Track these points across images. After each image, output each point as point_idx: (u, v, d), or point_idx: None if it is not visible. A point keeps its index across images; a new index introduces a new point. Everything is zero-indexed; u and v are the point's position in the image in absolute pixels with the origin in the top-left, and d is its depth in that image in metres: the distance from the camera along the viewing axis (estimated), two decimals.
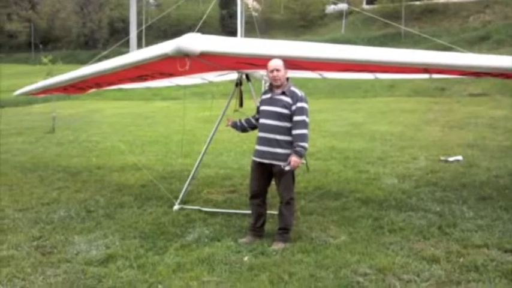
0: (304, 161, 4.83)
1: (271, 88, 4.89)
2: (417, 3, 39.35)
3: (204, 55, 4.64)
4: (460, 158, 8.73)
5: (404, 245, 4.78)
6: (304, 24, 45.14)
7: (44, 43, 54.30)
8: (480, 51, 25.05)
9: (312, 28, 44.44)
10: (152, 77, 6.46)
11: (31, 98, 21.27)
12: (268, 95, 4.90)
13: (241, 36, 6.68)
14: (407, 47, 23.06)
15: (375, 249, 4.68)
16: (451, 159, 8.69)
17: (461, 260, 4.36)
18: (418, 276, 4.10)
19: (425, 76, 6.33)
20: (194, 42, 4.56)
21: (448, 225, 5.28)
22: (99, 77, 6.05)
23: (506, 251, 4.53)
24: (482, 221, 5.39)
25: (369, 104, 18.33)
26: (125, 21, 45.40)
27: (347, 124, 13.72)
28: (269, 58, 4.78)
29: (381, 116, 15.09)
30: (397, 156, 9.26)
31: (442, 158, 8.85)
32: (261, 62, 5.02)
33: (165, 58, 4.75)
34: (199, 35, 4.73)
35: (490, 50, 26.33)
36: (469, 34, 31.87)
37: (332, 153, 9.65)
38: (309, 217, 5.74)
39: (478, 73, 5.29)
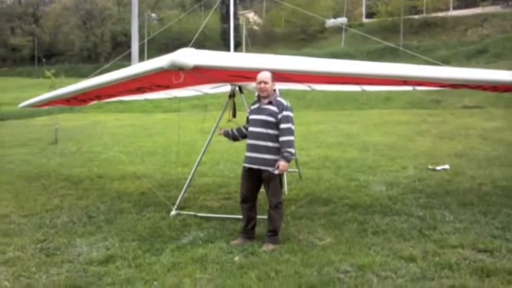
0: (297, 170, 5.16)
1: (259, 98, 5.26)
2: (416, 17, 39.85)
3: (197, 69, 4.99)
4: (447, 166, 9.04)
5: (385, 245, 5.08)
6: (305, 38, 45.70)
7: (47, 57, 54.91)
8: (477, 65, 25.44)
9: (312, 41, 44.94)
10: (150, 89, 6.82)
11: (34, 110, 21.67)
12: (256, 105, 5.27)
13: (234, 50, 7.05)
14: (404, 60, 23.47)
15: (358, 249, 4.97)
16: (438, 168, 9.01)
17: (437, 258, 4.66)
18: (395, 273, 4.40)
19: (409, 88, 6.69)
20: (188, 56, 4.92)
21: (428, 228, 5.59)
22: (99, 90, 6.42)
23: (479, 251, 4.83)
24: (461, 224, 5.71)
25: (365, 116, 18.68)
26: (127, 35, 46.09)
27: (342, 135, 14.05)
28: (258, 71, 5.14)
29: (375, 127, 15.42)
30: (387, 165, 9.59)
31: (430, 167, 9.17)
32: (251, 74, 5.36)
33: (161, 71, 5.11)
34: (193, 49, 5.10)
35: (488, 64, 26.66)
36: (467, 47, 32.24)
37: (325, 163, 9.99)
38: (298, 221, 6.04)
39: (455, 85, 5.62)
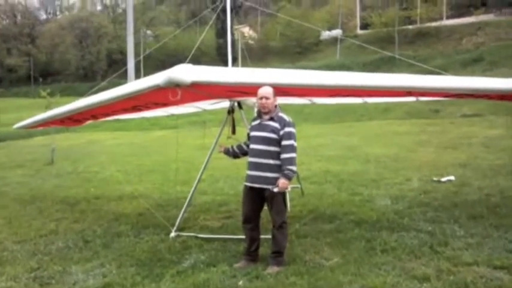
0: (299, 185, 4.95)
1: (260, 114, 5.05)
2: (410, 27, 40.01)
3: (195, 85, 4.80)
4: (452, 178, 8.84)
5: (396, 264, 4.85)
6: (300, 51, 45.86)
7: (43, 76, 54.92)
8: (473, 73, 25.39)
9: (307, 54, 45.10)
10: (147, 107, 6.63)
11: (31, 131, 21.38)
12: (257, 121, 5.06)
13: (231, 65, 6.88)
14: (401, 71, 23.40)
15: (367, 269, 4.75)
16: (443, 179, 8.80)
17: (452, 277, 4.44)
18: None
19: (412, 99, 6.51)
20: (185, 72, 4.73)
21: (439, 244, 5.36)
22: (94, 109, 6.22)
23: (495, 268, 4.61)
24: (473, 239, 5.48)
25: (364, 127, 18.54)
26: (123, 53, 46.01)
27: (342, 148, 13.87)
28: (258, 86, 4.95)
29: (376, 138, 15.25)
30: (391, 178, 9.37)
31: (435, 178, 8.96)
32: (251, 89, 5.18)
33: (157, 89, 4.92)
34: (190, 65, 4.91)
35: (484, 72, 26.67)
36: (462, 56, 32.26)
37: (327, 177, 9.78)
38: (303, 240, 5.82)
39: (460, 94, 5.45)
